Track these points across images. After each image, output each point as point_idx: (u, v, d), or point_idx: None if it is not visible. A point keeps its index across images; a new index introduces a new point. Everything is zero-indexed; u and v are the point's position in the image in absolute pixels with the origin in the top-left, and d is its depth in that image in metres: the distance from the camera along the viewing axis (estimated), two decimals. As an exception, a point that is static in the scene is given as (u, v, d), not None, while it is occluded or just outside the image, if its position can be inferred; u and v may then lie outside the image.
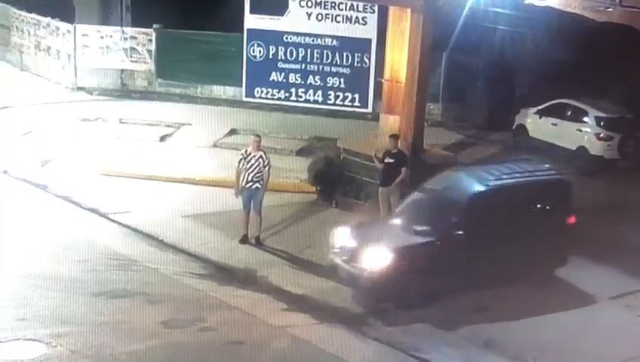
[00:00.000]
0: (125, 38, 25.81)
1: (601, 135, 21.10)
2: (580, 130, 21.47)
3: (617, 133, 21.03)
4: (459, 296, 13.96)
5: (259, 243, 15.89)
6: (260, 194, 15.85)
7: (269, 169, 15.88)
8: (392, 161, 16.65)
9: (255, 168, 15.72)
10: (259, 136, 16.35)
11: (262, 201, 15.92)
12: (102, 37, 25.89)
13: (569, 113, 21.89)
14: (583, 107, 21.67)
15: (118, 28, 26.28)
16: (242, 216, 16.01)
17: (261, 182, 15.80)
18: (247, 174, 15.74)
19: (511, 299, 13.85)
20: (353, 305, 13.80)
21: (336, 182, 18.38)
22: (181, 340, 12.44)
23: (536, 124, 22.50)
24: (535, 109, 22.59)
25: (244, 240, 15.89)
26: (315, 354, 12.34)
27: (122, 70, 25.99)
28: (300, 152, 21.49)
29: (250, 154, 15.80)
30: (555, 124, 21.99)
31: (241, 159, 15.85)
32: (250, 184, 15.74)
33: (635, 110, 21.66)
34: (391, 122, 18.51)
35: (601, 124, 21.25)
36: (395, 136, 17.05)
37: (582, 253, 15.88)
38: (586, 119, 21.54)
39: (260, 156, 15.77)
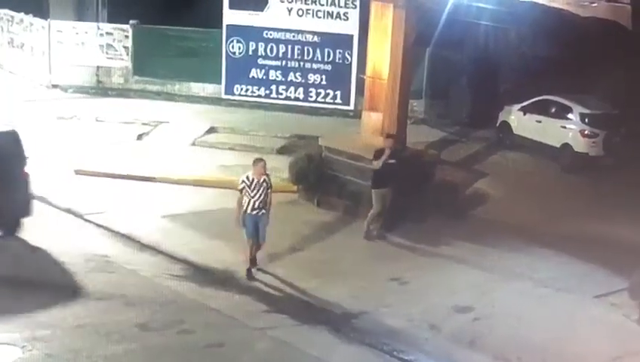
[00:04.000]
0: (101, 35, 25.81)
1: (586, 132, 21.26)
2: (565, 127, 21.63)
3: (602, 130, 21.20)
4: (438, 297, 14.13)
5: (254, 263, 14.85)
6: (265, 220, 14.72)
7: (271, 192, 14.82)
8: (393, 161, 16.65)
9: (261, 195, 14.58)
10: (263, 160, 14.95)
11: (266, 227, 14.79)
12: (77, 33, 25.88)
13: (553, 110, 22.05)
14: (568, 103, 21.84)
15: (94, 24, 26.29)
16: (247, 246, 14.75)
17: (266, 207, 14.71)
18: (252, 201, 14.53)
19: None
20: (335, 306, 13.84)
21: (318, 180, 18.42)
22: (159, 343, 12.42)
23: (520, 121, 22.65)
24: (519, 106, 22.74)
25: (250, 275, 14.70)
26: (297, 356, 12.36)
27: (98, 67, 26.00)
28: (281, 151, 21.53)
29: (253, 180, 14.56)
30: (540, 121, 22.14)
31: (244, 187, 14.54)
32: (257, 211, 14.58)
33: (620, 106, 21.84)
34: (373, 120, 18.59)
35: (586, 120, 21.41)
36: (392, 136, 17.09)
37: (566, 251, 16.06)
38: (570, 116, 21.70)
39: (265, 180, 14.64)
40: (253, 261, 14.80)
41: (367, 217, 16.74)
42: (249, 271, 14.72)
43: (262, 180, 14.58)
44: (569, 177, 20.92)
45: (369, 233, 16.70)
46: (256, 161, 14.87)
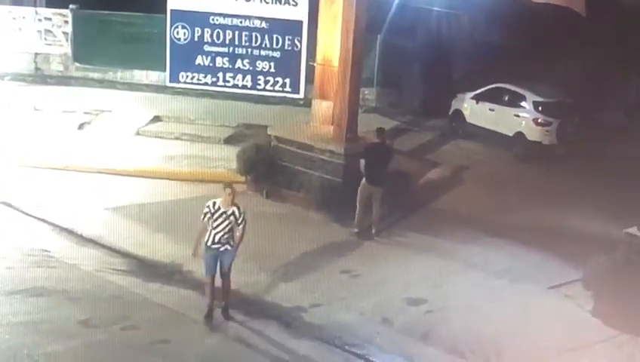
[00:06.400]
0: (39, 20, 25.47)
1: (539, 120, 21.49)
2: (518, 116, 21.85)
3: (556, 119, 21.44)
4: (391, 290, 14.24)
5: (226, 314, 13.28)
6: (229, 256, 13.13)
7: (244, 226, 13.08)
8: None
9: (225, 227, 12.95)
10: (230, 187, 13.14)
11: (231, 266, 13.22)
12: (14, 18, 25.53)
13: (506, 98, 22.25)
14: (521, 91, 22.04)
15: (32, 9, 25.90)
16: (206, 283, 13.23)
17: (232, 242, 13.07)
18: (213, 234, 12.97)
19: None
20: (285, 300, 13.88)
21: (267, 171, 18.42)
22: (103, 339, 12.36)
23: (473, 110, 22.85)
24: (472, 94, 22.93)
25: (209, 316, 13.11)
26: (246, 351, 12.40)
27: (36, 54, 25.66)
28: (229, 140, 21.50)
29: (219, 209, 12.94)
30: (493, 110, 22.35)
31: (206, 213, 12.98)
32: (218, 246, 13.00)
33: (575, 94, 22.13)
34: (324, 108, 18.65)
35: (539, 108, 21.64)
36: (382, 130, 17.23)
37: (519, 241, 16.28)
38: (523, 104, 21.92)
39: (233, 213, 12.93)
40: (209, 314, 13.18)
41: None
42: (210, 312, 13.17)
43: (230, 212, 12.94)
44: (522, 166, 21.18)
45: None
46: (224, 187, 13.19)
